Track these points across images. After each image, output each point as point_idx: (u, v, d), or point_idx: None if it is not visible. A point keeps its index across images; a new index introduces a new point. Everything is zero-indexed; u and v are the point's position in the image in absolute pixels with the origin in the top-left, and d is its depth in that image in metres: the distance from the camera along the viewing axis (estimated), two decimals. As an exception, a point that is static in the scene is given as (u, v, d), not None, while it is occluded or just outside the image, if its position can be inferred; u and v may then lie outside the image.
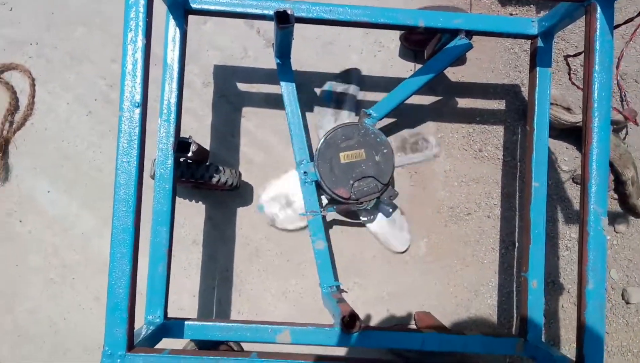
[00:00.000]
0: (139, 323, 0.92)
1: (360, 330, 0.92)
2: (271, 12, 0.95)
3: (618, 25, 0.83)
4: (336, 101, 1.24)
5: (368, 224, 1.23)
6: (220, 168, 1.07)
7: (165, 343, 0.93)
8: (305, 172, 1.11)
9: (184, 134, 1.23)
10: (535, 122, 1.00)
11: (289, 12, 0.92)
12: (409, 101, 1.26)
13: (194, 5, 0.97)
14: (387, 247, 1.23)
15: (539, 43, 1.00)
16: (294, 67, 1.25)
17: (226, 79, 1.25)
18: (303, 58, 1.26)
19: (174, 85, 0.96)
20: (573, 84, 1.23)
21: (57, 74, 1.23)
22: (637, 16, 0.89)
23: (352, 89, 1.24)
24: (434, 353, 1.11)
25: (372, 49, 1.29)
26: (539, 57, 1.00)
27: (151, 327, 0.89)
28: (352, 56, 1.28)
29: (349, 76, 1.26)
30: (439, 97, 1.29)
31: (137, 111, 0.75)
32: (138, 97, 0.75)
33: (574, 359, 0.81)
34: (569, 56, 1.23)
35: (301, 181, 1.11)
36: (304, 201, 1.11)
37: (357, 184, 1.09)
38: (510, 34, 1.02)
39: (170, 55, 0.96)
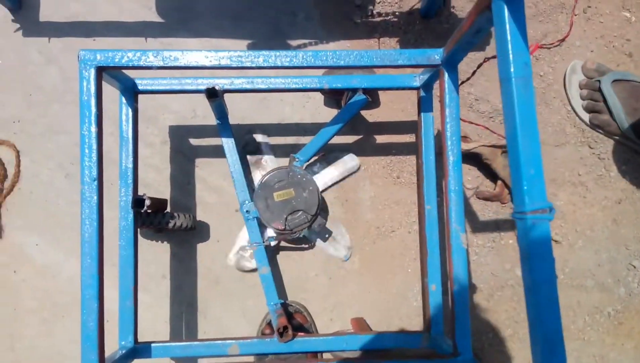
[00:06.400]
0: (114, 348, 1.15)
1: (291, 338, 1.16)
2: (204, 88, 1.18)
3: (462, 83, 1.07)
4: (257, 149, 1.48)
5: (317, 243, 1.47)
6: (175, 214, 1.31)
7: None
8: (247, 211, 1.34)
9: (149, 185, 1.47)
10: (424, 157, 1.24)
11: (216, 88, 1.16)
12: (336, 141, 1.51)
13: (141, 88, 1.21)
14: (334, 256, 1.47)
15: (422, 93, 1.25)
16: (237, 122, 1.50)
17: (181, 137, 1.50)
18: (244, 113, 1.51)
19: (130, 154, 1.20)
20: (462, 120, 1.47)
21: (38, 145, 1.47)
22: (472, 76, 1.14)
23: (260, 138, 1.48)
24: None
25: (301, 101, 1.53)
26: (422, 105, 1.24)
27: (122, 351, 1.11)
28: (285, 108, 1.53)
29: (255, 127, 1.50)
30: (360, 136, 1.53)
31: (95, 183, 0.98)
32: (95, 173, 0.98)
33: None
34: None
35: (245, 218, 1.34)
36: (249, 235, 1.34)
37: (290, 218, 1.33)
38: (399, 88, 1.27)
39: (124, 129, 1.20)
